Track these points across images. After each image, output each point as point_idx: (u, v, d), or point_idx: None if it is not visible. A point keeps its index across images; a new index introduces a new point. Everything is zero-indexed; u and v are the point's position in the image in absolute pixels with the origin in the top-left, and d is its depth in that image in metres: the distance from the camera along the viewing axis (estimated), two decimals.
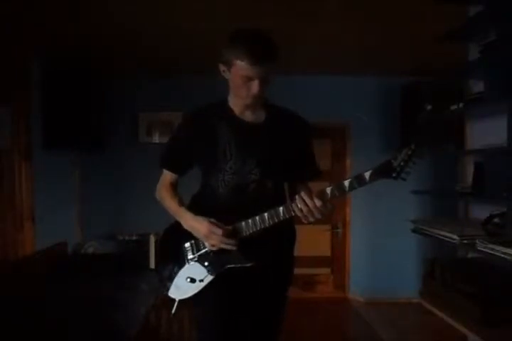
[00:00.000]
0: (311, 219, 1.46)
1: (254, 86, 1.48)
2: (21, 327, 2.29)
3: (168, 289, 1.66)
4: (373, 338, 3.56)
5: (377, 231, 4.42)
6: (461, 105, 2.36)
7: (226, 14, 2.65)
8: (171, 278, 1.65)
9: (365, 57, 3.70)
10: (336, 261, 4.62)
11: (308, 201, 1.42)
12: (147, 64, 3.95)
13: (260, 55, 1.43)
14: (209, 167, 1.63)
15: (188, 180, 1.77)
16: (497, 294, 1.88)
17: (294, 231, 1.74)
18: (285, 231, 1.68)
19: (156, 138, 4.32)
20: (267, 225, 1.50)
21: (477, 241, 1.96)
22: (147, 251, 3.91)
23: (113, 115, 4.20)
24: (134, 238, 4.15)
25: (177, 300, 1.65)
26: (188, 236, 1.61)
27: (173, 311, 1.65)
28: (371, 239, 4.44)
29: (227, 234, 1.52)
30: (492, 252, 1.85)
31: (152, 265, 3.81)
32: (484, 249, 1.90)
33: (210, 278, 1.58)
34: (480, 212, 2.38)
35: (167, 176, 1.74)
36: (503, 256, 1.78)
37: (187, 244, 1.63)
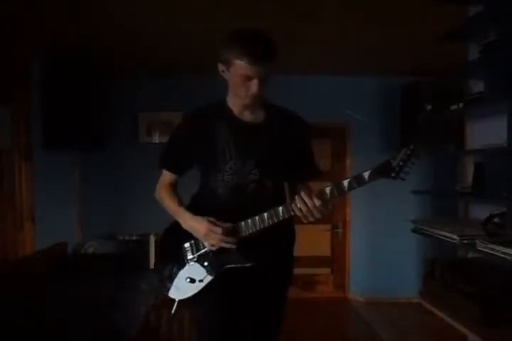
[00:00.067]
0: (311, 219, 1.46)
1: (254, 85, 1.48)
2: (21, 327, 2.29)
3: (168, 289, 1.66)
4: (373, 338, 3.56)
5: (377, 231, 4.42)
6: (461, 105, 2.36)
7: (226, 14, 2.65)
8: (170, 279, 1.65)
9: (365, 57, 3.70)
10: (336, 261, 4.62)
11: (307, 201, 1.42)
12: (147, 64, 3.95)
13: (259, 54, 1.43)
14: (208, 167, 1.63)
15: (188, 181, 1.77)
16: (497, 294, 1.88)
17: (293, 231, 1.74)
18: (285, 231, 1.68)
19: (156, 138, 4.32)
20: (267, 225, 1.50)
21: (477, 241, 1.96)
22: (147, 251, 3.91)
23: (113, 115, 4.20)
24: (134, 238, 4.15)
25: (177, 300, 1.65)
26: (188, 236, 1.61)
27: (172, 311, 1.65)
28: (371, 239, 4.44)
29: (227, 233, 1.52)
30: (492, 252, 1.85)
31: (152, 265, 3.81)
32: (484, 249, 1.90)
33: (209, 278, 1.58)
34: (480, 212, 2.38)
35: (166, 176, 1.74)
36: (503, 256, 1.78)
37: (186, 245, 1.63)
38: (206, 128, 1.61)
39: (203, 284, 1.59)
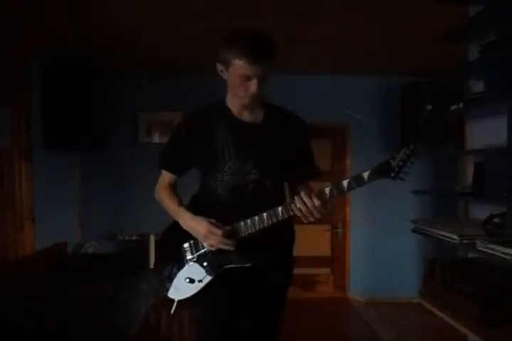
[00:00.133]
0: (311, 219, 1.46)
1: (253, 85, 1.48)
2: (21, 327, 2.29)
3: (167, 289, 1.66)
4: (373, 338, 3.56)
5: (377, 231, 4.42)
6: (461, 105, 2.36)
7: (226, 14, 2.65)
8: (170, 279, 1.65)
9: (365, 57, 3.70)
10: (336, 261, 4.62)
11: (307, 201, 1.42)
12: (147, 64, 3.95)
13: (258, 54, 1.43)
14: (208, 167, 1.63)
15: (188, 181, 1.77)
16: (497, 294, 1.88)
17: (293, 231, 1.74)
18: (284, 231, 1.68)
19: (156, 138, 4.32)
20: (266, 225, 1.50)
21: (477, 241, 1.96)
22: (147, 251, 3.91)
23: (113, 115, 4.20)
24: (134, 238, 4.15)
25: (176, 300, 1.65)
26: (187, 236, 1.61)
27: (172, 311, 1.65)
28: (371, 239, 4.44)
29: (227, 235, 1.51)
30: (492, 252, 1.85)
31: (152, 265, 3.81)
32: (484, 249, 1.90)
33: (208, 278, 1.58)
34: (480, 212, 2.38)
35: (166, 177, 1.74)
36: (503, 256, 1.78)
37: (186, 245, 1.63)
38: (206, 128, 1.61)
39: (202, 284, 1.58)
